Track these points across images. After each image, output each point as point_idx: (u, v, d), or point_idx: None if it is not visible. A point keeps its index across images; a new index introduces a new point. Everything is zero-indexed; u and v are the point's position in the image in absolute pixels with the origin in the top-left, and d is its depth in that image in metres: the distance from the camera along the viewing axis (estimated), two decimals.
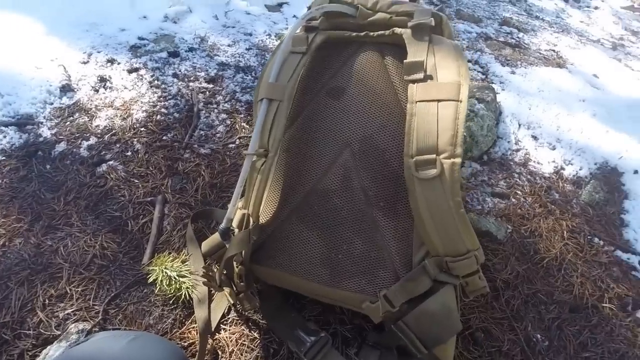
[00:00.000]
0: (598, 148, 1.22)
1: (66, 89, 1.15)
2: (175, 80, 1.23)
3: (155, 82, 1.21)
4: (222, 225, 0.68)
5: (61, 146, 1.03)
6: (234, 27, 1.48)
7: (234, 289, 0.72)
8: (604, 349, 0.83)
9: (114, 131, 1.07)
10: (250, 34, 1.46)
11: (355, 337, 0.77)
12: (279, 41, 1.44)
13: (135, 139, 1.06)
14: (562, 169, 1.18)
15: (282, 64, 0.69)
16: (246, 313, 0.79)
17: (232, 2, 1.57)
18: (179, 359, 0.61)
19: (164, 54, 1.30)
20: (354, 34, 0.71)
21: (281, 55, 0.69)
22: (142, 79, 1.21)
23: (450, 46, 0.64)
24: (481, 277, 0.64)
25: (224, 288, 0.73)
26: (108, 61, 1.24)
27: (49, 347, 0.72)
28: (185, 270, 0.82)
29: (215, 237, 0.73)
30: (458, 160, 0.57)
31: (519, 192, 1.09)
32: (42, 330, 0.75)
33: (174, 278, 0.80)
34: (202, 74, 1.27)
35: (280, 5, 1.66)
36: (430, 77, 0.61)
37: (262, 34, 1.47)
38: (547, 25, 2.01)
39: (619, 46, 2.00)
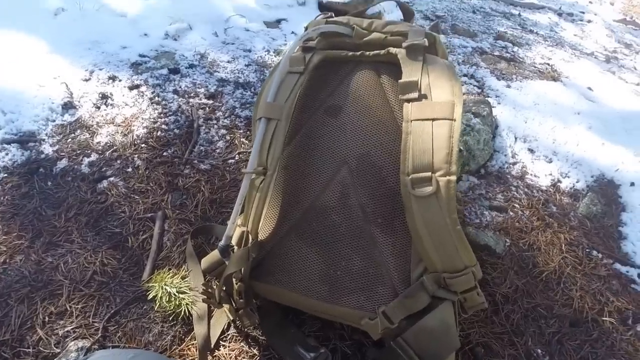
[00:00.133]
0: (594, 160, 1.23)
1: (68, 106, 1.17)
2: (176, 96, 1.25)
3: (156, 98, 1.23)
4: (222, 243, 0.69)
5: (62, 163, 1.04)
6: (233, 43, 1.50)
7: (234, 305, 0.73)
8: None
9: (114, 147, 1.08)
10: (250, 50, 1.48)
11: (355, 353, 0.77)
12: (277, 58, 1.46)
13: (135, 155, 1.07)
14: (559, 181, 1.19)
15: (280, 84, 0.70)
16: (246, 329, 0.79)
17: (232, 19, 1.60)
18: None
19: (165, 71, 1.32)
20: (350, 53, 0.73)
21: (279, 75, 0.70)
22: (142, 96, 1.23)
23: (443, 66, 0.65)
24: (479, 293, 0.64)
25: (223, 304, 0.73)
26: (109, 78, 1.26)
27: None
28: (185, 286, 0.82)
29: (214, 254, 0.74)
30: (453, 177, 0.58)
31: (516, 206, 1.10)
32: (41, 348, 0.75)
33: (174, 294, 0.81)
34: (202, 90, 1.29)
35: (278, 21, 1.69)
36: (425, 97, 0.62)
37: (261, 50, 1.49)
38: (542, 39, 2.04)
39: (612, 59, 2.03)
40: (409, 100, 0.63)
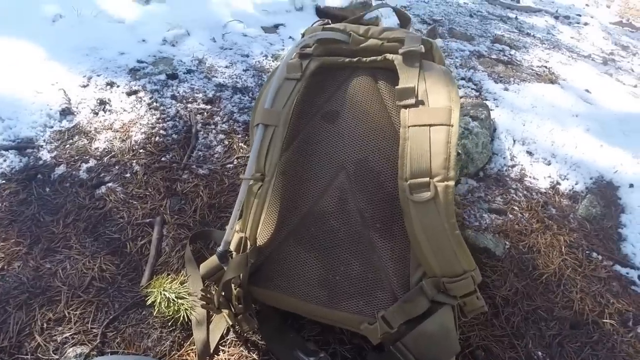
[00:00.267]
0: (593, 162, 1.24)
1: (66, 112, 1.17)
2: (174, 101, 1.25)
3: (154, 104, 1.23)
4: (220, 249, 0.69)
5: (61, 169, 1.04)
6: (231, 49, 1.51)
7: (233, 310, 0.72)
8: None
9: (113, 153, 1.08)
10: (247, 56, 1.49)
11: (354, 357, 0.77)
12: (275, 63, 1.47)
13: (134, 161, 1.07)
14: (558, 184, 1.19)
15: (277, 90, 0.70)
16: (245, 334, 0.79)
17: (229, 24, 1.60)
18: None
19: (163, 76, 1.32)
20: (347, 59, 0.73)
21: (276, 82, 0.71)
22: (141, 101, 1.23)
23: (440, 72, 0.66)
24: (479, 297, 0.64)
25: (222, 310, 0.73)
26: (107, 84, 1.27)
27: None
28: (184, 291, 0.82)
29: (213, 260, 0.74)
30: (451, 183, 0.58)
31: (515, 208, 1.10)
32: (40, 355, 0.74)
33: (173, 300, 0.80)
34: (200, 95, 1.29)
35: (276, 26, 1.70)
36: (422, 103, 0.63)
37: (258, 55, 1.50)
38: (539, 42, 2.05)
39: (609, 61, 2.04)
40: (406, 107, 0.63)
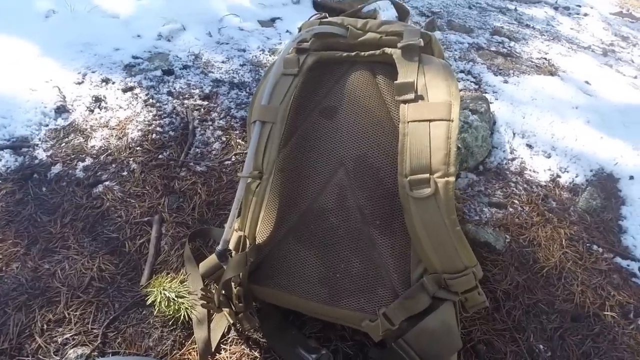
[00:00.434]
0: (593, 155, 1.23)
1: (61, 110, 1.15)
2: (170, 98, 1.24)
3: (150, 100, 1.21)
4: (219, 247, 0.68)
5: (57, 168, 1.03)
6: (227, 43, 1.49)
7: (233, 309, 0.72)
8: (608, 358, 0.82)
9: (109, 151, 1.07)
10: (244, 50, 1.47)
11: (356, 354, 0.77)
12: (272, 57, 1.45)
13: (131, 159, 1.06)
14: (558, 176, 1.18)
15: (274, 86, 0.69)
16: (246, 332, 0.79)
17: (225, 18, 1.58)
18: None
19: (159, 72, 1.30)
20: (345, 54, 0.72)
21: (273, 78, 0.69)
22: (137, 98, 1.22)
23: (439, 66, 0.65)
24: (480, 293, 0.64)
25: (223, 308, 0.73)
26: (103, 81, 1.25)
27: None
28: (184, 290, 0.82)
29: (212, 258, 0.73)
30: (452, 179, 0.57)
31: (516, 202, 1.09)
32: (40, 357, 0.74)
33: (173, 299, 0.80)
34: (197, 91, 1.28)
35: (273, 20, 1.68)
36: (421, 97, 0.62)
37: (255, 50, 1.48)
38: (538, 34, 2.03)
39: (609, 52, 2.02)
40: (405, 102, 0.62)
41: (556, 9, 2.47)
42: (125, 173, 1.03)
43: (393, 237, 0.66)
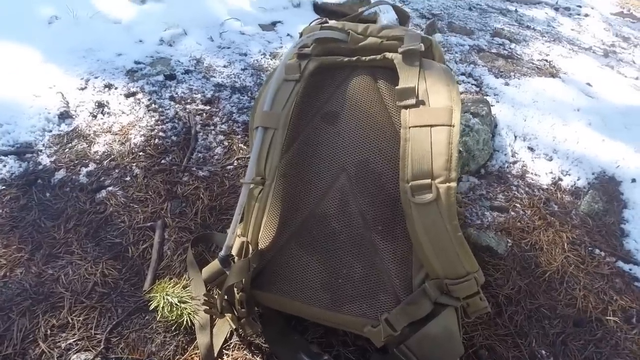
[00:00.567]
0: (595, 157, 1.23)
1: (64, 115, 1.16)
2: (172, 103, 1.24)
3: (153, 105, 1.22)
4: (222, 253, 0.68)
5: (60, 173, 1.03)
6: (229, 47, 1.50)
7: (236, 314, 0.72)
8: None
9: (112, 156, 1.08)
10: (245, 54, 1.48)
11: (358, 359, 0.77)
12: (273, 61, 1.45)
13: (134, 164, 1.07)
14: (560, 179, 1.18)
15: (276, 92, 0.70)
16: (249, 337, 0.79)
17: (227, 23, 1.59)
18: None
19: (161, 77, 1.31)
20: (346, 58, 0.72)
21: (275, 84, 0.70)
22: (139, 103, 1.22)
23: (440, 70, 0.65)
24: (482, 298, 0.64)
25: (225, 314, 0.73)
26: (105, 86, 1.26)
27: None
28: (187, 295, 0.82)
29: (215, 264, 0.74)
30: (453, 184, 0.58)
31: (517, 205, 1.09)
32: None
33: (176, 304, 0.80)
34: (199, 95, 1.28)
35: (274, 24, 1.68)
36: (423, 103, 0.62)
37: (257, 54, 1.48)
38: (539, 35, 2.03)
39: (610, 53, 2.02)
40: (406, 107, 0.63)
41: (557, 9, 2.47)
42: (128, 178, 1.04)
43: (395, 242, 0.66)
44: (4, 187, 0.99)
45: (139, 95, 1.25)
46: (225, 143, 1.16)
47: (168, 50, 1.44)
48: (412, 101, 0.62)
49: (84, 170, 1.04)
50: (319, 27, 0.75)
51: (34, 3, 1.47)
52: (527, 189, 1.14)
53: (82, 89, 1.24)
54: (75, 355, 0.75)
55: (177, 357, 0.77)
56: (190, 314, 0.79)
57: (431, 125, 0.60)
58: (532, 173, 1.19)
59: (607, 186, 1.17)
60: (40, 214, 0.95)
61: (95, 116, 1.18)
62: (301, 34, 0.78)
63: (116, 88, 1.26)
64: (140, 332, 0.80)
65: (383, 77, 0.71)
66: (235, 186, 1.05)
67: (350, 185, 0.69)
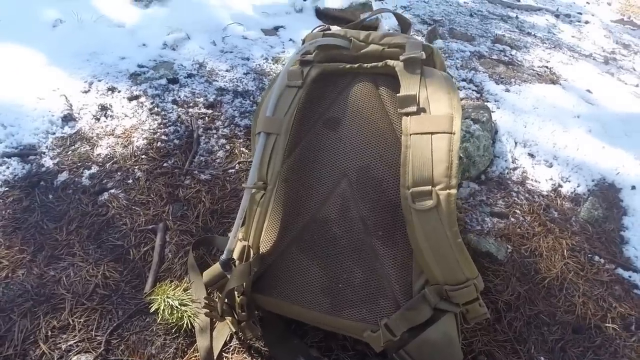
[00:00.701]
0: (595, 164, 1.23)
1: (68, 118, 1.17)
2: (175, 106, 1.25)
3: (155, 109, 1.23)
4: (223, 257, 0.69)
5: (63, 176, 1.04)
6: (231, 52, 1.51)
7: (236, 318, 0.73)
8: None
9: (115, 159, 1.09)
10: (248, 59, 1.49)
11: None
12: (275, 66, 1.46)
13: (136, 167, 1.07)
14: (560, 186, 1.19)
15: (278, 98, 0.70)
16: (248, 341, 0.79)
17: (229, 27, 1.60)
18: None
19: (164, 81, 1.32)
20: (348, 65, 0.73)
21: (277, 90, 0.71)
22: (142, 106, 1.23)
23: (441, 78, 0.66)
24: (481, 304, 0.64)
25: (225, 317, 0.74)
26: (109, 89, 1.27)
27: None
28: (187, 298, 0.82)
29: (216, 267, 0.74)
30: (454, 191, 0.58)
31: (517, 211, 1.10)
32: None
33: (176, 307, 0.81)
34: (201, 99, 1.29)
35: (276, 29, 1.69)
36: (424, 110, 0.63)
37: (259, 58, 1.50)
38: (539, 42, 2.04)
39: (610, 60, 2.03)
40: (407, 114, 0.63)
41: (557, 16, 2.48)
42: (130, 181, 1.04)
43: (395, 248, 0.66)
44: (7, 189, 1.00)
45: (142, 99, 1.25)
46: (227, 147, 1.16)
47: (171, 54, 1.45)
48: (414, 108, 0.63)
49: (87, 172, 1.05)
50: (321, 34, 0.76)
51: (38, 6, 1.49)
52: (527, 195, 1.15)
53: (86, 92, 1.25)
54: (76, 357, 0.75)
55: (177, 359, 0.77)
56: (190, 316, 0.80)
57: (432, 133, 0.61)
58: (532, 179, 1.19)
59: (607, 193, 1.18)
60: (42, 215, 0.96)
61: (98, 119, 1.19)
62: (304, 41, 0.79)
63: (119, 91, 1.27)
64: (140, 335, 0.80)
65: (384, 84, 0.72)
66: (237, 190, 1.05)
67: (351, 190, 0.69)
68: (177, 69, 1.39)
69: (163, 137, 1.16)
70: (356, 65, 0.73)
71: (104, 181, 1.04)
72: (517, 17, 2.33)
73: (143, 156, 1.10)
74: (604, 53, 2.12)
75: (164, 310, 0.80)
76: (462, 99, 1.43)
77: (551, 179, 1.20)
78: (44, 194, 1.00)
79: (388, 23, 1.77)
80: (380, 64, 0.71)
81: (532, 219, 1.08)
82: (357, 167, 0.69)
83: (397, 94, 0.65)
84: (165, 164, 1.09)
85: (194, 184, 1.06)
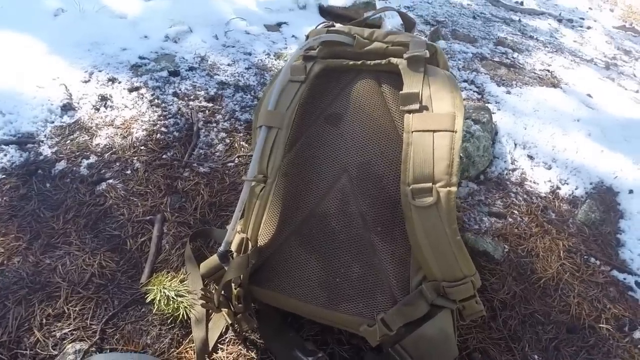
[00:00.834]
0: (593, 168, 1.24)
1: (67, 107, 1.16)
2: (176, 99, 1.25)
3: (156, 100, 1.23)
4: (221, 249, 0.69)
5: (61, 165, 1.04)
6: (233, 46, 1.50)
7: (232, 310, 0.73)
8: None
9: (114, 150, 1.08)
10: (250, 54, 1.48)
11: (352, 358, 0.78)
12: (277, 62, 1.46)
13: (135, 158, 1.07)
14: (558, 188, 1.19)
15: (280, 92, 0.70)
16: (244, 333, 0.79)
17: (232, 22, 1.60)
18: None
19: (165, 73, 1.32)
20: (351, 62, 0.73)
21: (280, 84, 0.71)
22: (142, 98, 1.23)
23: (444, 77, 0.66)
24: (478, 302, 0.64)
25: (222, 309, 0.74)
26: (109, 80, 1.26)
27: None
28: (184, 289, 0.82)
29: (213, 259, 0.74)
30: (454, 189, 0.58)
31: (515, 212, 1.10)
32: (39, 350, 0.74)
33: (172, 297, 0.81)
34: (202, 93, 1.29)
35: (279, 25, 1.69)
36: (426, 108, 0.63)
37: (261, 54, 1.49)
38: (541, 45, 2.05)
39: (612, 65, 2.04)
40: (410, 112, 0.63)
41: (560, 21, 2.49)
42: (128, 172, 1.04)
43: (394, 243, 0.66)
44: (4, 176, 0.99)
45: (143, 90, 1.25)
46: (227, 140, 1.16)
47: (173, 46, 1.44)
48: (416, 106, 0.63)
49: (85, 162, 1.05)
50: (325, 30, 0.76)
51: None
52: (525, 196, 1.15)
53: (86, 82, 1.25)
54: (70, 345, 0.75)
55: (172, 350, 0.77)
56: (186, 307, 0.80)
57: (434, 131, 0.61)
58: (530, 181, 1.20)
59: (604, 196, 1.18)
60: (39, 204, 0.95)
61: (97, 109, 1.18)
62: (307, 37, 0.79)
63: (120, 82, 1.26)
64: (135, 324, 0.80)
65: (387, 81, 0.72)
66: (236, 183, 1.05)
67: (351, 186, 0.69)
68: (179, 61, 1.38)
69: (163, 129, 1.15)
70: (359, 62, 0.73)
71: (102, 171, 1.03)
72: (519, 21, 2.34)
73: (142, 147, 1.10)
74: (605, 58, 2.13)
75: (160, 300, 0.80)
76: (463, 100, 1.43)
77: (550, 181, 1.20)
78: (41, 183, 1.00)
79: (391, 22, 1.77)
80: (383, 61, 0.71)
81: (529, 220, 1.09)
82: (358, 162, 0.69)
83: (400, 92, 0.65)
84: (164, 156, 1.09)
85: (193, 176, 1.05)
